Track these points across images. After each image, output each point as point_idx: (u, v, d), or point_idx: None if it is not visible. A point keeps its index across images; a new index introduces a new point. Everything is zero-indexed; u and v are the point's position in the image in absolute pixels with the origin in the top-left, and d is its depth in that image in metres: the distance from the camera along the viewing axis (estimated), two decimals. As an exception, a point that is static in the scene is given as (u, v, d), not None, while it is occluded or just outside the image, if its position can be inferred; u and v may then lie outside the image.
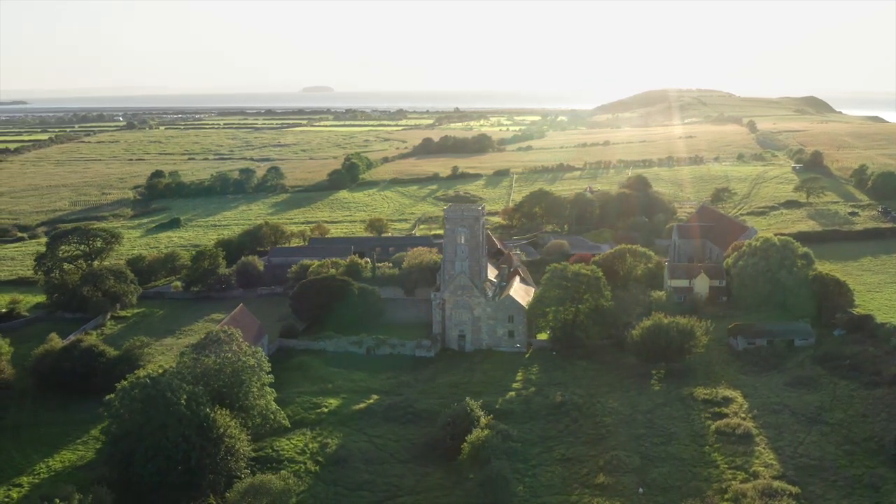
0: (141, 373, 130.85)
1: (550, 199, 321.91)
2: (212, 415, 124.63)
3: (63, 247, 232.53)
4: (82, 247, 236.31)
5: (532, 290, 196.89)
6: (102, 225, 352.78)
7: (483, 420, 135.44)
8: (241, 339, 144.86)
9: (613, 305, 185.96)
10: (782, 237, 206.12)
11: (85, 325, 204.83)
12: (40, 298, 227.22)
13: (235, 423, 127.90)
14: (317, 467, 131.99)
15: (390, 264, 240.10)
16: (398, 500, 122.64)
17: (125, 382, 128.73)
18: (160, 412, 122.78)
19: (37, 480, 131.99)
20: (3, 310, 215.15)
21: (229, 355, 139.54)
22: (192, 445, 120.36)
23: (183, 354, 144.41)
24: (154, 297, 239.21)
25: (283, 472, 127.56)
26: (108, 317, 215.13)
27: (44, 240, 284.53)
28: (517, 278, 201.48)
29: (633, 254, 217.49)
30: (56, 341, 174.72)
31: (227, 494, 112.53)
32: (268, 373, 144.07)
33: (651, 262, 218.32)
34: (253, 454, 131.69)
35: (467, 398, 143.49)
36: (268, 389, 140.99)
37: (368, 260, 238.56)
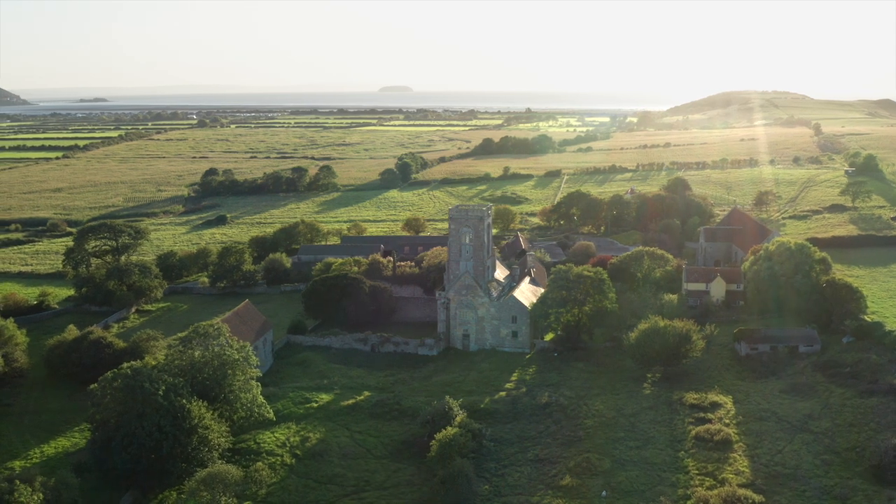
0: (125, 364, 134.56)
1: (587, 200, 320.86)
2: (188, 406, 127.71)
3: (93, 242, 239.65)
4: (110, 242, 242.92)
5: (541, 291, 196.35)
6: (151, 220, 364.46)
7: (458, 419, 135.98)
8: (229, 334, 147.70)
9: (618, 307, 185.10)
10: (798, 241, 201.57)
11: (107, 318, 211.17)
12: (71, 291, 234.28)
13: (211, 415, 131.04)
14: (293, 460, 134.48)
15: (412, 263, 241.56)
16: (364, 495, 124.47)
17: (109, 373, 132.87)
18: (138, 402, 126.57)
19: (28, 465, 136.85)
20: (34, 302, 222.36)
21: (217, 349, 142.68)
22: (164, 435, 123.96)
23: (170, 347, 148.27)
24: (182, 292, 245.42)
25: (258, 463, 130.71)
26: (133, 310, 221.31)
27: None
28: (527, 279, 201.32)
29: (651, 256, 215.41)
30: (69, 333, 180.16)
31: (187, 482, 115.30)
32: (255, 366, 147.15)
33: (670, 265, 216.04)
34: (232, 446, 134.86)
35: (447, 397, 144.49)
36: (253, 383, 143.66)
37: (391, 259, 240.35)
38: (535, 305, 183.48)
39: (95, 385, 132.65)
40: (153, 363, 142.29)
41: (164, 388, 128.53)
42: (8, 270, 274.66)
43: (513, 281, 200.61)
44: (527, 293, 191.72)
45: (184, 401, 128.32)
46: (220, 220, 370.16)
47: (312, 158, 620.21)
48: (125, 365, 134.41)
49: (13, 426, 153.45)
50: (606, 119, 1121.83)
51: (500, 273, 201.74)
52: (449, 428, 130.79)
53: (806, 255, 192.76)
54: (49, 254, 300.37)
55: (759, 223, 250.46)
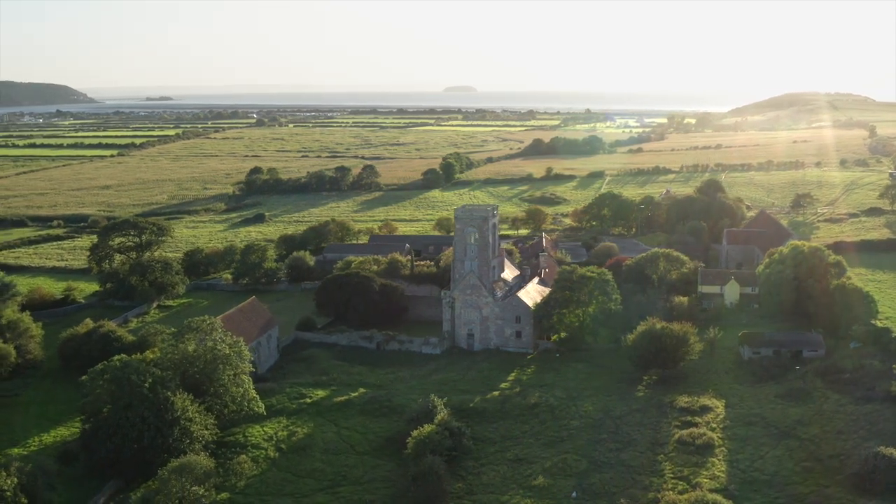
0: (115, 357, 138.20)
1: (618, 201, 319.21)
2: (172, 398, 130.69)
3: (118, 238, 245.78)
4: (134, 238, 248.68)
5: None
6: (192, 218, 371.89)
7: (439, 417, 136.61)
8: (221, 329, 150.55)
9: (626, 309, 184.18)
10: (812, 244, 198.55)
11: (127, 313, 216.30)
12: (98, 286, 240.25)
13: (196, 407, 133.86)
14: (277, 454, 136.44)
15: (431, 262, 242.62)
16: (338, 489, 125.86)
17: (99, 365, 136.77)
18: (125, 394, 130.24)
19: (25, 452, 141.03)
20: (60, 296, 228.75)
21: (210, 344, 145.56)
22: (147, 426, 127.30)
23: (164, 341, 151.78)
24: (206, 288, 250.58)
25: (242, 456, 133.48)
26: (154, 305, 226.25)
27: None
28: (535, 279, 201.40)
29: (666, 258, 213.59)
30: (82, 326, 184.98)
31: (159, 472, 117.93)
32: (249, 361, 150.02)
33: (685, 267, 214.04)
34: (217, 438, 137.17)
35: (432, 395, 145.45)
36: (245, 378, 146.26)
37: (410, 257, 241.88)
38: (538, 306, 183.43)
39: (86, 377, 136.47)
40: (151, 356, 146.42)
41: (150, 380, 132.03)
42: (43, 265, 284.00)
43: (523, 281, 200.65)
44: (532, 293, 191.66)
45: (167, 393, 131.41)
46: (258, 219, 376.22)
47: (363, 158, 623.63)
48: (115, 358, 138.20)
49: (19, 415, 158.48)
50: (664, 120, 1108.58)
51: (510, 273, 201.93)
52: (426, 426, 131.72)
53: (819, 258, 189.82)
54: (86, 250, 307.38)
55: (781, 226, 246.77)
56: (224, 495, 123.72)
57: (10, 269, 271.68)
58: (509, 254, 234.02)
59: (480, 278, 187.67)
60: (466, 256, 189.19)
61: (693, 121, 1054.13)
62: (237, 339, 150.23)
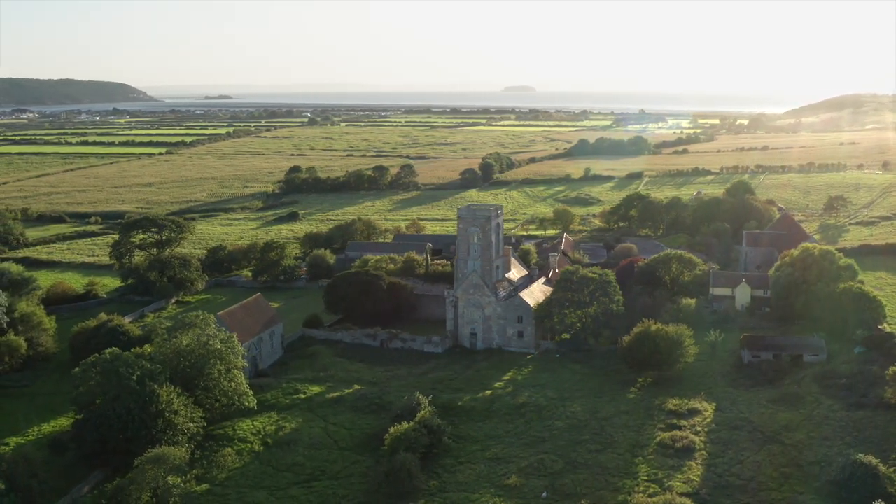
0: (107, 351, 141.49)
1: (644, 202, 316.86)
2: (158, 391, 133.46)
3: (140, 235, 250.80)
4: (155, 235, 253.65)
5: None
6: (227, 216, 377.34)
7: (419, 415, 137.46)
8: (214, 325, 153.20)
9: (632, 310, 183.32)
10: (823, 247, 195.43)
11: (144, 308, 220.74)
12: (119, 282, 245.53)
13: (182, 400, 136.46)
14: (262, 448, 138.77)
15: (446, 261, 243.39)
16: (315, 483, 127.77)
17: (91, 358, 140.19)
18: (113, 386, 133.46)
19: (23, 441, 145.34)
20: (81, 291, 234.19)
21: (204, 339, 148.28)
22: (132, 417, 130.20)
23: (158, 336, 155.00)
24: (227, 285, 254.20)
25: (227, 449, 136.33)
26: (173, 301, 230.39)
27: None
28: (542, 279, 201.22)
29: (678, 260, 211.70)
30: (93, 320, 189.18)
31: (135, 461, 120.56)
32: (243, 356, 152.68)
33: (699, 269, 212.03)
34: (203, 431, 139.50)
35: (417, 393, 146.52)
36: (237, 373, 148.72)
37: (426, 256, 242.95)
38: (539, 306, 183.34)
39: (78, 369, 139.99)
40: (150, 350, 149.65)
41: (138, 373, 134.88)
42: (73, 261, 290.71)
43: (529, 281, 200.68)
44: (536, 294, 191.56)
45: (154, 386, 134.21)
46: (292, 217, 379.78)
47: (407, 157, 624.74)
48: (107, 350, 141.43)
49: (24, 406, 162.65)
50: (717, 121, 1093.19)
51: (517, 273, 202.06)
52: (404, 423, 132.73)
53: (829, 261, 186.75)
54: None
55: (800, 228, 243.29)
56: (203, 487, 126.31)
57: (40, 263, 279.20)
58: (527, 253, 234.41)
59: (483, 278, 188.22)
60: (469, 256, 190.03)
61: (745, 122, 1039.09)
62: (230, 335, 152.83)
